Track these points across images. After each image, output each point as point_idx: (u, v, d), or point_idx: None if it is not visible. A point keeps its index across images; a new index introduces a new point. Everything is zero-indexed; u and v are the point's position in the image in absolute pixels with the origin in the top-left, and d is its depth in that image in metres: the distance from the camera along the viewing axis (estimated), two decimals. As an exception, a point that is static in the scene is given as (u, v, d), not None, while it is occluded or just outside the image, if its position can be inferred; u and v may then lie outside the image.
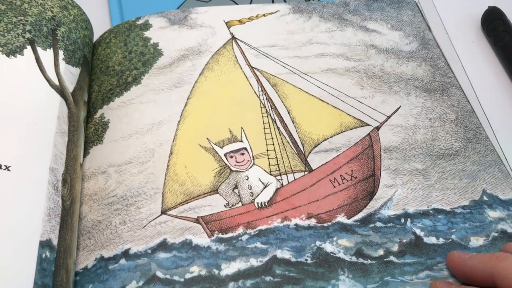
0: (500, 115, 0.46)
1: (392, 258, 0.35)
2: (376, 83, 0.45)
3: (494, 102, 0.47)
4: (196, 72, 0.44)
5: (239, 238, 0.36)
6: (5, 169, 0.33)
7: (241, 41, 0.47)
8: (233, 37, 0.47)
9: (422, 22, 0.50)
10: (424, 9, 0.54)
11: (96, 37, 0.47)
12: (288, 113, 0.42)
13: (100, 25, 0.48)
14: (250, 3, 0.53)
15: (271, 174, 0.39)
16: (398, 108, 0.43)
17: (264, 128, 0.41)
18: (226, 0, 0.53)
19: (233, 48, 0.46)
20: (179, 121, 0.41)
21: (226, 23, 0.48)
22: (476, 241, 0.36)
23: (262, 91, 0.43)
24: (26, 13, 0.40)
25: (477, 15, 0.53)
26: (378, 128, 0.42)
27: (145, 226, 0.36)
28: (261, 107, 0.42)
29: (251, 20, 0.48)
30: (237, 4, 0.53)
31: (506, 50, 0.49)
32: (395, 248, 0.36)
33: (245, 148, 0.40)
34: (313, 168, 0.39)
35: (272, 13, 0.49)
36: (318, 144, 0.41)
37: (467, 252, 0.35)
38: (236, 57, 0.45)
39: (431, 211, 0.38)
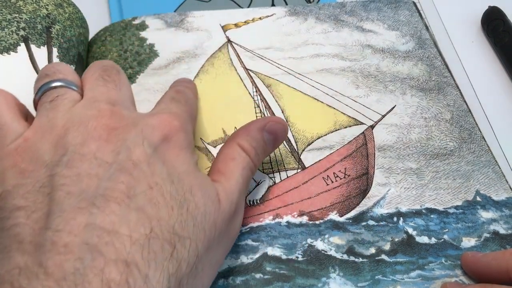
0: (500, 115, 0.46)
1: (383, 256, 0.35)
2: (372, 82, 0.45)
3: (494, 102, 0.47)
4: (191, 75, 0.44)
5: (230, 235, 0.36)
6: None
7: (236, 44, 0.47)
8: (229, 41, 0.47)
9: (419, 21, 0.50)
10: (424, 9, 0.54)
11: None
12: (282, 112, 0.42)
13: (99, 24, 0.49)
14: (250, 3, 0.53)
15: (263, 172, 0.39)
16: (393, 107, 0.43)
17: (258, 127, 0.41)
18: (226, 0, 0.53)
19: (228, 51, 0.46)
20: (173, 121, 0.41)
21: (222, 27, 0.48)
22: (468, 242, 0.36)
23: (256, 91, 0.43)
24: (21, 11, 0.40)
25: (477, 15, 0.53)
26: (372, 126, 0.42)
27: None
28: (255, 107, 0.42)
29: (247, 23, 0.49)
30: (237, 4, 0.53)
31: (506, 50, 0.49)
32: (387, 246, 0.36)
33: (238, 147, 0.40)
34: (306, 166, 0.39)
35: (268, 16, 0.49)
36: (312, 142, 0.41)
37: (478, 251, 0.35)
38: (231, 60, 0.46)
39: (424, 211, 0.38)
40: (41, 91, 0.30)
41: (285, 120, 0.35)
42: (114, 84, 0.31)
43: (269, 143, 0.34)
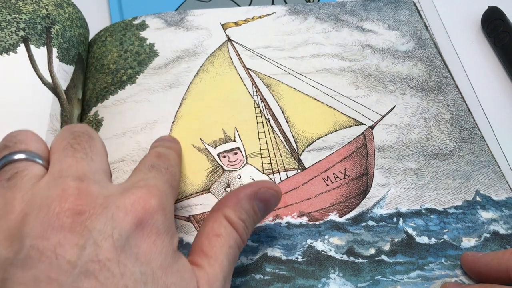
0: (500, 115, 0.46)
1: (383, 257, 0.35)
2: (371, 82, 0.45)
3: (494, 102, 0.47)
4: (191, 74, 0.44)
5: (230, 236, 0.36)
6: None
7: (236, 43, 0.47)
8: (229, 39, 0.47)
9: (419, 21, 0.50)
10: (424, 9, 0.54)
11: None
12: (282, 112, 0.42)
13: (99, 24, 0.49)
14: (250, 4, 0.53)
15: (264, 173, 0.39)
16: (393, 107, 0.43)
17: (257, 128, 0.41)
18: (226, 0, 0.53)
19: (228, 50, 0.46)
20: (173, 122, 0.41)
21: (222, 25, 0.48)
22: (468, 242, 0.36)
23: (256, 91, 0.43)
24: (21, 11, 0.40)
25: (477, 15, 0.53)
26: (372, 127, 0.42)
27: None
28: (255, 107, 0.42)
29: (247, 22, 0.48)
30: (237, 3, 0.53)
31: (506, 50, 0.49)
32: (387, 247, 0.36)
33: (238, 148, 0.40)
34: (306, 167, 0.39)
35: (268, 15, 0.49)
36: (312, 142, 0.41)
37: (478, 251, 0.35)
38: (231, 58, 0.46)
39: (423, 211, 0.37)
40: None
41: (271, 183, 0.32)
42: (84, 153, 0.28)
43: (260, 211, 0.31)
